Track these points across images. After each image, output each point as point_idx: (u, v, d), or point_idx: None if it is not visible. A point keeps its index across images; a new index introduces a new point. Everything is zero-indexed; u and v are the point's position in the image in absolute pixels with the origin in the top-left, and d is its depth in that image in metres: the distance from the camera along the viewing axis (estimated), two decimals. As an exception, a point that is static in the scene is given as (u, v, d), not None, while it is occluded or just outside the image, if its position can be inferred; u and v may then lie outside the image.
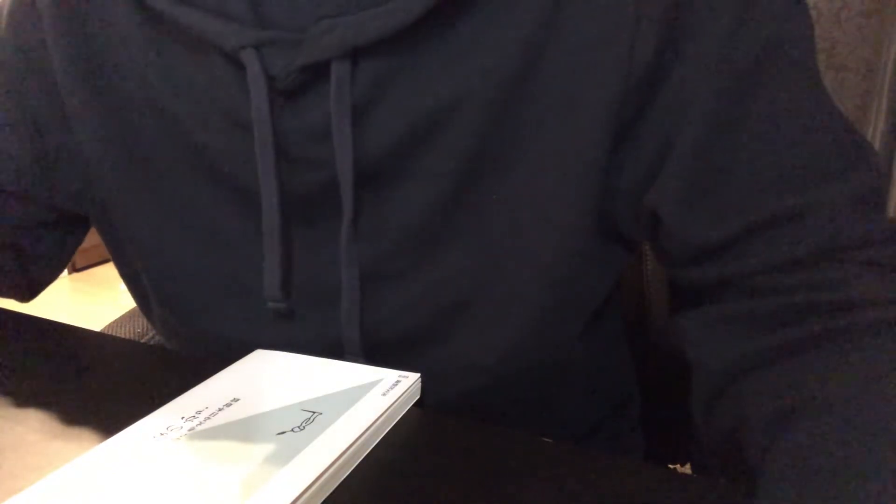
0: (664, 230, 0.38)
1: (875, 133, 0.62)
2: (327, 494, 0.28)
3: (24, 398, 0.36)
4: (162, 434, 0.31)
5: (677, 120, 0.35)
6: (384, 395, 0.35)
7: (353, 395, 0.35)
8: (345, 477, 0.30)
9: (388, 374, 0.37)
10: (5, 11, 0.45)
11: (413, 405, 0.36)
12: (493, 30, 0.35)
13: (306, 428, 0.32)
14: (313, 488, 0.27)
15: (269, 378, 0.37)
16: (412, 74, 0.36)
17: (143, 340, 0.71)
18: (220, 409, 0.34)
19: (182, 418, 0.33)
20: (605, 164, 0.37)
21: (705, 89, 0.34)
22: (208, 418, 0.33)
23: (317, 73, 0.36)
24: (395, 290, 0.40)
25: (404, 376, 0.37)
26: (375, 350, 0.41)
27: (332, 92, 0.36)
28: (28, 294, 0.52)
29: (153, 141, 0.42)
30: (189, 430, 0.32)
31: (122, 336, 0.72)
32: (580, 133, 0.36)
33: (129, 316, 0.76)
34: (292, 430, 0.31)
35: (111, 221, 0.46)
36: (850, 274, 0.34)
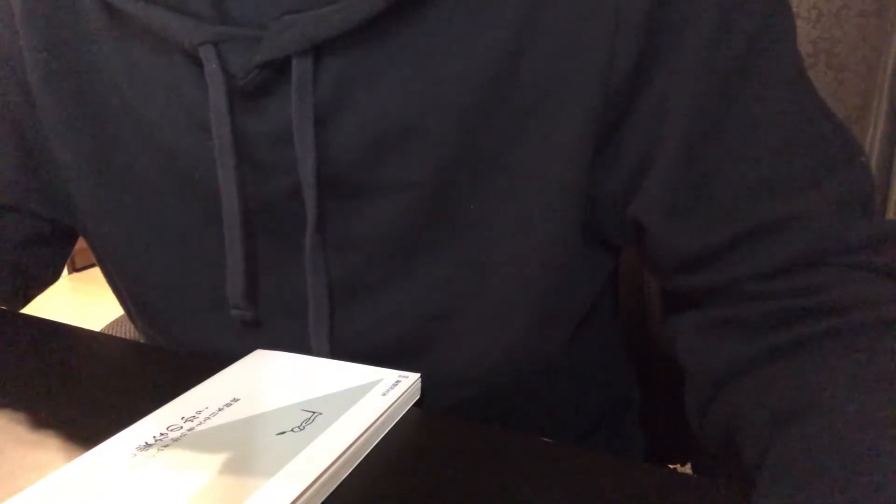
0: (649, 239, 0.38)
1: (875, 133, 0.62)
2: (327, 494, 0.28)
3: (24, 398, 0.36)
4: (162, 434, 0.31)
5: (659, 127, 0.34)
6: (384, 395, 0.35)
7: (353, 395, 0.35)
8: (345, 477, 0.30)
9: (388, 374, 0.37)
10: None
11: (413, 405, 0.36)
12: (467, 31, 0.34)
13: (306, 428, 0.32)
14: (313, 488, 0.27)
15: (269, 378, 0.37)
16: (380, 75, 0.35)
17: (143, 340, 0.71)
18: (220, 409, 0.33)
19: (182, 418, 0.33)
20: (587, 172, 0.36)
21: (687, 96, 0.34)
22: (208, 418, 0.33)
23: (278, 71, 0.35)
24: (370, 303, 0.39)
25: (404, 376, 0.37)
26: (349, 360, 0.40)
27: (294, 91, 0.35)
28: (21, 303, 0.51)
29: (125, 146, 0.41)
30: (189, 430, 0.32)
31: (122, 336, 0.72)
32: (560, 140, 0.35)
33: (129, 316, 0.75)
34: (292, 430, 0.31)
35: (87, 230, 0.46)
36: (838, 278, 0.33)
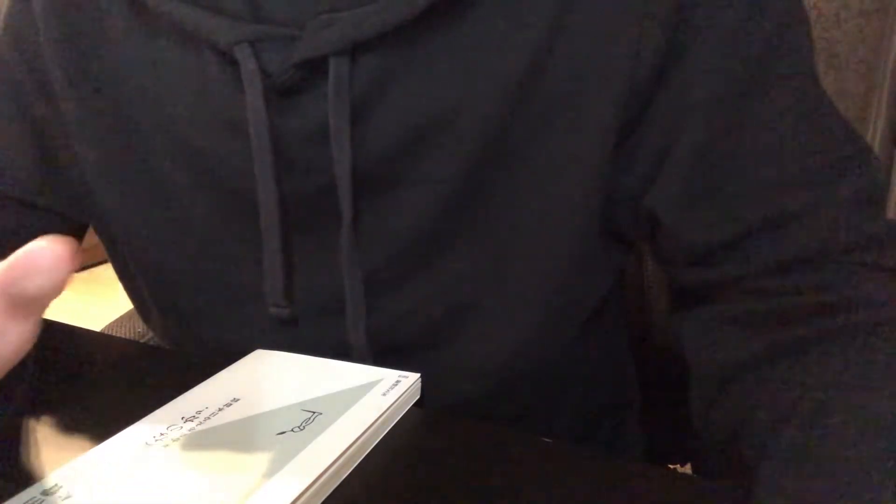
0: (663, 231, 0.38)
1: (875, 133, 0.62)
2: (327, 494, 0.28)
3: (24, 398, 0.36)
4: (162, 434, 0.31)
5: (678, 122, 0.35)
6: (384, 395, 0.35)
7: (353, 395, 0.35)
8: (345, 477, 0.30)
9: (388, 374, 0.37)
10: (4, 9, 0.44)
11: (413, 405, 0.36)
12: (499, 31, 0.35)
13: (306, 428, 0.32)
14: (313, 488, 0.27)
15: (269, 378, 0.37)
16: (414, 74, 0.35)
17: (142, 340, 0.71)
18: (220, 409, 0.33)
19: (182, 418, 0.33)
20: (610, 166, 0.37)
21: (706, 92, 0.34)
22: (208, 418, 0.33)
23: (315, 70, 0.35)
24: (399, 295, 0.40)
25: (404, 376, 0.37)
26: (382, 354, 0.40)
27: (330, 89, 0.35)
28: None
29: (150, 144, 0.42)
30: (189, 430, 0.32)
31: (122, 336, 0.72)
32: (585, 135, 0.36)
33: (128, 316, 0.76)
34: (292, 430, 0.31)
35: (109, 228, 0.45)
36: (847, 275, 0.34)
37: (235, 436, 0.31)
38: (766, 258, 0.35)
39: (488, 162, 0.37)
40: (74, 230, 0.49)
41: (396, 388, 0.36)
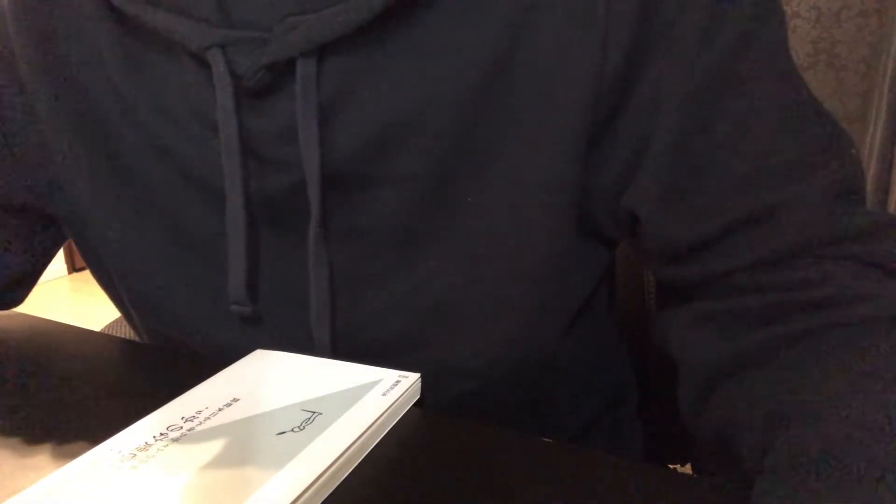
0: (643, 230, 0.38)
1: (875, 133, 0.62)
2: (327, 494, 0.28)
3: (24, 398, 0.36)
4: (162, 434, 0.31)
5: (652, 119, 0.35)
6: (384, 395, 0.35)
7: (353, 395, 0.35)
8: (345, 477, 0.30)
9: (388, 374, 0.37)
10: None
11: (413, 405, 0.36)
12: (462, 30, 0.35)
13: (306, 428, 0.32)
14: (313, 488, 0.27)
15: (269, 378, 0.37)
16: (380, 74, 0.36)
17: (140, 339, 0.71)
18: (220, 409, 0.34)
19: (182, 418, 0.33)
20: (582, 165, 0.37)
21: (679, 88, 0.34)
22: (208, 418, 0.33)
23: (284, 72, 0.36)
24: (371, 294, 0.40)
25: (404, 376, 0.37)
26: (350, 354, 0.40)
27: (298, 90, 0.36)
28: None
29: (123, 142, 0.42)
30: (189, 430, 0.32)
31: (122, 336, 0.72)
32: (554, 134, 0.36)
33: (129, 316, 0.75)
34: (292, 430, 0.31)
35: (82, 224, 0.46)
36: (829, 270, 0.33)
37: (235, 436, 0.31)
38: (747, 254, 0.35)
39: (458, 161, 0.37)
40: (46, 239, 0.49)
41: (396, 388, 0.36)
